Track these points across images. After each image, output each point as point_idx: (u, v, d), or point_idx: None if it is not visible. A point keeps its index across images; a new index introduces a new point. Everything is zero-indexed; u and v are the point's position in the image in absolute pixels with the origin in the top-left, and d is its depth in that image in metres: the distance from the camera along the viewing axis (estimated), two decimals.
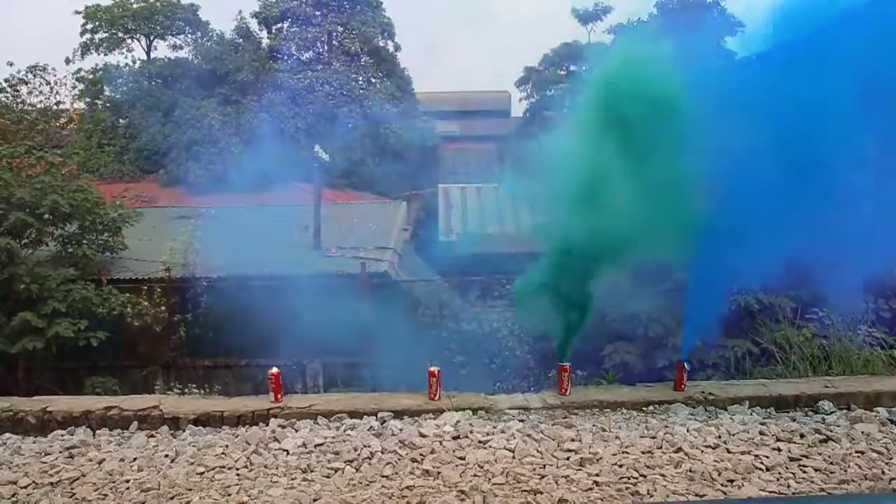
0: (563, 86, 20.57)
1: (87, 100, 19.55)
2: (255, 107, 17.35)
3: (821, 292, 7.12)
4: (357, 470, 4.63)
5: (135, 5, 19.55)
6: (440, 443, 4.98)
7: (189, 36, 20.14)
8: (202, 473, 4.61)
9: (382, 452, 4.84)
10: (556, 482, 4.36)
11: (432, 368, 5.72)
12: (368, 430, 5.23)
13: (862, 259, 5.53)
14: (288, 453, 4.89)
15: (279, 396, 5.69)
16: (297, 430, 5.28)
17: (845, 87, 4.99)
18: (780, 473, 4.47)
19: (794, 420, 5.36)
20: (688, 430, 5.11)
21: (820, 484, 4.32)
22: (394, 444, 4.96)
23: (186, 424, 5.49)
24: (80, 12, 19.45)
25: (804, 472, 4.48)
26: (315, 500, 4.23)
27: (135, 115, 18.32)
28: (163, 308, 9.89)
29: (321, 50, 20.28)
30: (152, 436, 5.34)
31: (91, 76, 19.49)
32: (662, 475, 4.44)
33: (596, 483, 4.34)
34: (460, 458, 4.73)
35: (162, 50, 20.34)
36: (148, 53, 20.23)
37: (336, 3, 20.33)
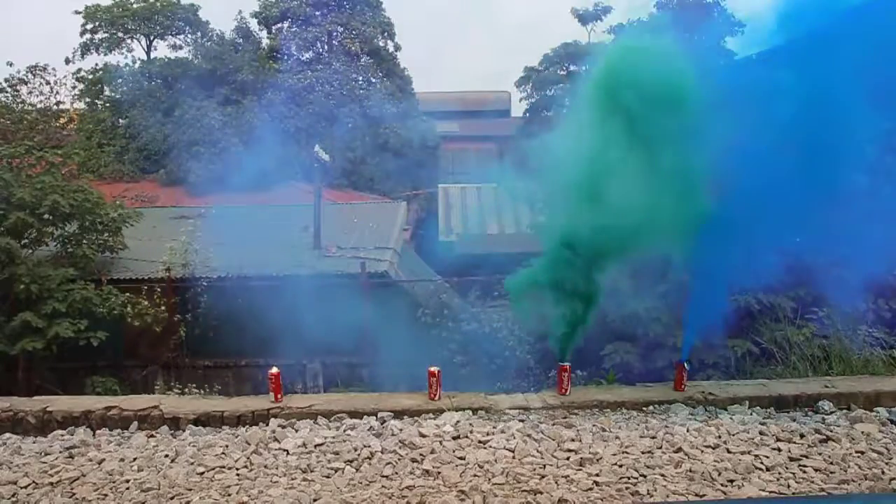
0: (563, 86, 20.56)
1: (87, 100, 19.56)
2: (255, 107, 17.37)
3: (822, 292, 7.11)
4: (357, 470, 4.63)
5: (135, 5, 19.56)
6: (440, 443, 4.98)
7: (189, 36, 20.15)
8: (202, 473, 4.61)
9: (382, 452, 4.84)
10: (556, 482, 4.36)
11: (432, 368, 5.71)
12: (368, 430, 5.23)
13: (867, 258, 5.52)
14: (288, 453, 4.89)
15: (279, 396, 5.69)
16: (297, 430, 5.28)
17: (856, 84, 4.95)
18: (780, 473, 4.47)
19: (794, 420, 5.36)
20: (688, 430, 5.10)
21: (820, 484, 4.32)
22: (394, 444, 4.96)
23: (186, 424, 5.49)
24: (80, 12, 19.46)
25: (804, 472, 4.48)
26: (315, 500, 4.23)
27: (135, 115, 18.32)
28: (163, 308, 9.89)
29: (321, 50, 20.30)
30: (152, 436, 5.34)
31: (91, 76, 19.50)
32: (662, 475, 4.43)
33: (596, 483, 4.34)
34: (460, 458, 4.73)
35: (162, 50, 20.37)
36: (148, 53, 20.23)
37: (336, 3, 20.35)
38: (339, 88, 18.75)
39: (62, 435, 5.39)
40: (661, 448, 4.83)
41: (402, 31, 21.42)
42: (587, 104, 6.14)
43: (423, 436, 5.07)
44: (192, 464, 4.74)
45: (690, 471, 4.47)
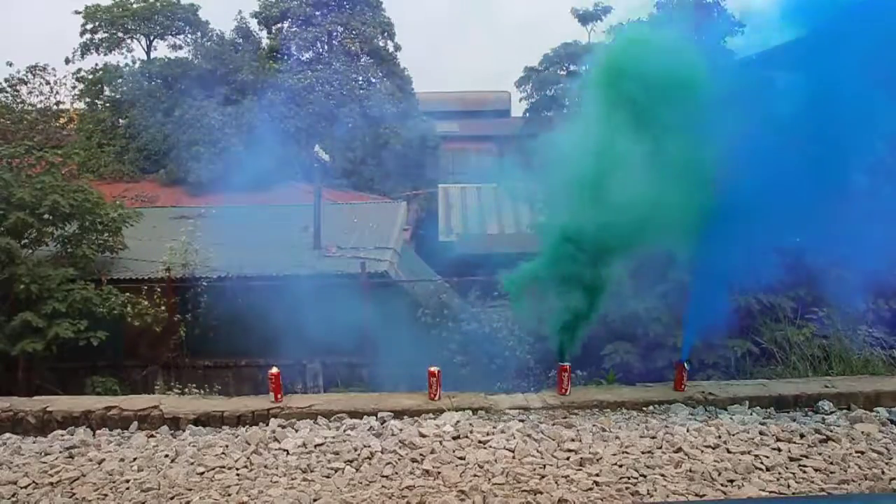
0: (563, 86, 20.58)
1: (87, 100, 19.58)
2: (255, 107, 17.37)
3: (824, 292, 7.10)
4: (357, 470, 4.63)
5: (135, 5, 19.58)
6: (440, 443, 4.98)
7: (189, 36, 20.17)
8: (202, 473, 4.61)
9: (382, 452, 4.83)
10: (556, 482, 4.36)
11: (432, 368, 5.71)
12: (368, 430, 5.23)
13: (871, 258, 5.50)
14: (288, 453, 4.89)
15: (279, 396, 5.69)
16: (297, 430, 5.27)
17: (863, 80, 4.91)
18: (780, 473, 4.46)
19: (794, 420, 5.36)
20: (688, 430, 5.10)
21: (820, 484, 4.32)
22: (394, 444, 4.96)
23: (186, 424, 5.48)
24: (80, 12, 19.48)
25: (804, 472, 4.48)
26: (315, 500, 4.23)
27: (135, 115, 18.34)
28: (163, 308, 9.89)
29: (321, 50, 20.30)
30: (152, 436, 5.34)
31: (91, 76, 19.51)
32: (662, 475, 4.43)
33: (596, 483, 4.34)
34: (460, 458, 4.73)
35: (162, 50, 20.40)
36: (148, 53, 20.25)
37: (336, 3, 20.36)
38: (339, 88, 18.76)
39: (62, 435, 5.39)
40: (661, 448, 4.83)
41: (402, 31, 21.44)
42: (593, 96, 6.07)
43: (423, 436, 5.07)
44: (192, 464, 4.74)
45: (690, 471, 4.47)
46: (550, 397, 5.80)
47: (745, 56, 6.17)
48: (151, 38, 20.09)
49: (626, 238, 5.69)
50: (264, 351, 9.30)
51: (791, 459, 4.64)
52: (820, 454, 4.72)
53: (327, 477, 4.55)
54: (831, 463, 4.59)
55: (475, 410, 5.56)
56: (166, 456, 4.88)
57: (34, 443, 5.26)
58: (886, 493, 4.21)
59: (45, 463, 4.85)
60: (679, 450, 4.78)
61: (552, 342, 6.70)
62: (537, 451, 4.81)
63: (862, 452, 4.73)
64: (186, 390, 8.59)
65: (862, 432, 5.03)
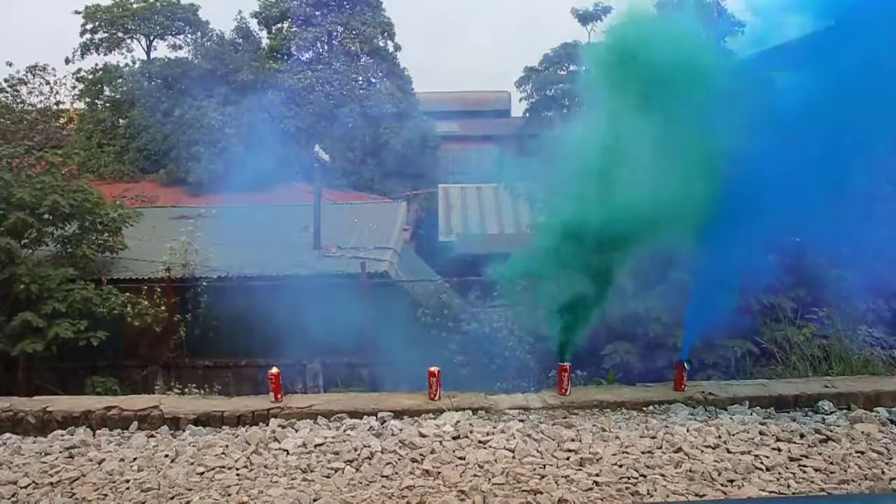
0: (563, 86, 20.59)
1: (87, 100, 19.60)
2: (255, 107, 17.39)
3: (824, 292, 7.09)
4: (357, 470, 4.63)
5: (135, 5, 19.59)
6: (440, 443, 4.98)
7: (189, 36, 20.19)
8: (202, 473, 4.61)
9: (382, 452, 4.83)
10: (556, 482, 4.36)
11: (432, 368, 5.71)
12: (368, 430, 5.23)
13: (876, 257, 5.47)
14: (288, 453, 4.89)
15: (279, 396, 5.68)
16: (297, 430, 5.27)
17: (874, 79, 4.87)
18: (780, 473, 4.46)
19: (794, 420, 5.36)
20: (688, 430, 5.10)
21: (820, 484, 4.32)
22: (394, 444, 4.96)
23: (186, 424, 5.48)
24: (80, 12, 19.50)
25: (804, 472, 4.48)
26: (315, 500, 4.23)
27: (135, 115, 18.35)
28: (163, 308, 9.89)
29: (321, 50, 20.30)
30: (152, 436, 5.34)
31: (91, 76, 19.52)
32: (662, 475, 4.43)
33: (596, 483, 4.34)
34: (460, 458, 4.73)
35: (162, 50, 20.42)
36: (148, 53, 20.26)
37: (336, 3, 20.36)
38: (339, 88, 18.77)
39: (62, 435, 5.39)
40: (661, 448, 4.83)
41: (402, 31, 21.44)
42: (600, 81, 5.96)
43: (423, 436, 5.07)
44: (192, 464, 4.74)
45: (690, 471, 4.47)
46: (550, 397, 5.80)
47: (752, 53, 6.10)
48: (151, 38, 20.11)
49: (632, 232, 5.59)
50: (264, 351, 9.30)
51: (791, 459, 4.64)
52: (820, 454, 4.72)
53: (327, 477, 4.55)
54: (831, 463, 4.59)
55: (475, 410, 5.55)
56: (166, 456, 4.88)
57: (34, 443, 5.26)
58: (886, 493, 4.21)
59: (45, 463, 4.85)
60: (679, 450, 4.78)
61: (552, 342, 6.70)
62: (537, 451, 4.81)
63: (862, 452, 4.73)
64: (186, 390, 8.58)
65: (862, 432, 5.03)
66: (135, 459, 4.85)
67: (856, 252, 6.10)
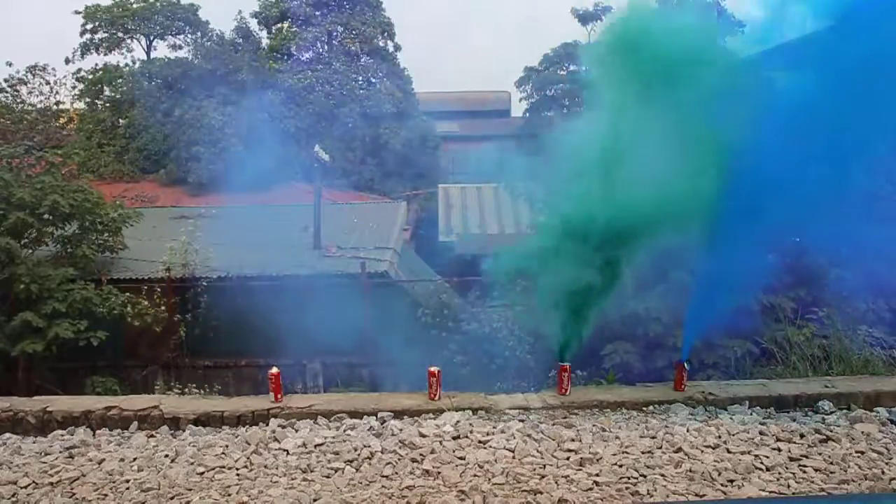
0: (562, 86, 20.60)
1: (87, 100, 19.60)
2: (255, 107, 17.40)
3: (824, 292, 7.09)
4: (357, 470, 4.63)
5: (135, 5, 19.60)
6: (440, 443, 4.98)
7: (189, 36, 20.19)
8: (202, 473, 4.61)
9: (382, 452, 4.83)
10: (556, 482, 4.36)
11: (432, 368, 5.71)
12: (368, 430, 5.23)
13: (876, 257, 5.46)
14: (288, 453, 4.88)
15: (279, 396, 5.68)
16: (297, 430, 5.27)
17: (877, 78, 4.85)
18: (780, 473, 4.46)
19: (794, 420, 5.35)
20: (688, 430, 5.10)
21: (820, 484, 4.32)
22: (394, 444, 4.96)
23: (186, 424, 5.48)
24: (80, 12, 19.50)
25: (804, 472, 4.48)
26: (315, 500, 4.23)
27: (135, 115, 18.35)
28: (163, 308, 9.89)
29: (321, 50, 20.30)
30: (152, 436, 5.33)
31: (91, 76, 19.52)
32: (662, 475, 4.43)
33: (596, 483, 4.34)
34: (460, 458, 4.73)
35: (162, 50, 20.43)
36: (148, 53, 20.27)
37: (336, 3, 20.36)
38: (339, 88, 18.76)
39: (62, 435, 5.39)
40: (661, 448, 4.83)
41: (403, 31, 21.44)
42: (604, 70, 5.92)
43: (423, 436, 5.07)
44: (192, 464, 4.74)
45: (690, 471, 4.47)
46: (550, 397, 5.80)
47: (752, 53, 6.08)
48: (151, 38, 20.11)
49: (633, 229, 5.57)
50: (264, 351, 9.30)
51: (791, 459, 4.64)
52: (820, 454, 4.72)
53: (327, 477, 4.54)
54: (831, 463, 4.59)
55: (475, 410, 5.55)
56: (166, 456, 4.88)
57: (34, 443, 5.26)
58: (886, 493, 4.21)
59: (45, 463, 4.84)
60: (679, 450, 4.78)
61: (552, 342, 6.69)
62: (537, 451, 4.81)
63: (862, 452, 4.72)
64: (186, 390, 8.59)
65: (862, 432, 5.03)
66: (135, 459, 4.84)
67: (856, 252, 6.09)
